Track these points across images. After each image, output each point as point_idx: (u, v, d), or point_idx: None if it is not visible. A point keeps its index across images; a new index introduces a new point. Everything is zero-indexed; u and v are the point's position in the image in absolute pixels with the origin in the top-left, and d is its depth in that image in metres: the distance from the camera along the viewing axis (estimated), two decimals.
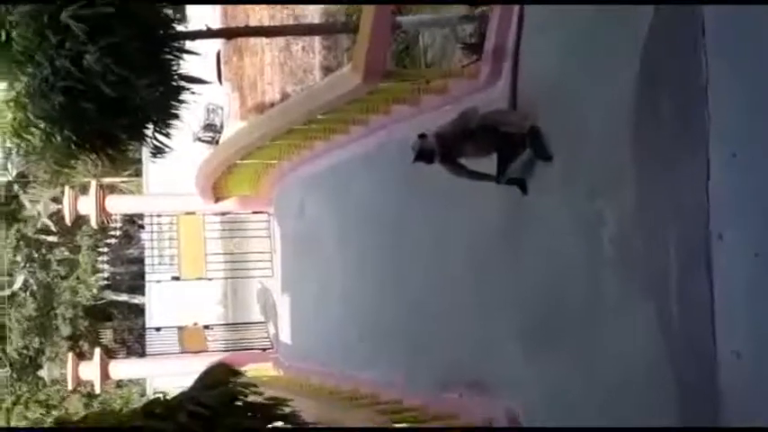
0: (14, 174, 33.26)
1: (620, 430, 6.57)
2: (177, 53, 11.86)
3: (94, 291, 33.63)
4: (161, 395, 7.72)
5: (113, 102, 10.86)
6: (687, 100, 5.84)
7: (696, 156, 5.64)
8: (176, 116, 12.14)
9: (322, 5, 17.69)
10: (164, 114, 11.99)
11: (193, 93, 12.17)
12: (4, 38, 10.84)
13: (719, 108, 5.50)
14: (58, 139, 11.23)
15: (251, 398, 7.79)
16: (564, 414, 7.45)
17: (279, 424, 7.74)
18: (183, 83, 11.96)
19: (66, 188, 18.43)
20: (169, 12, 11.97)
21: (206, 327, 19.13)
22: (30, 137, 11.54)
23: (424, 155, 7.97)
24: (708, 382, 5.55)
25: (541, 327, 7.86)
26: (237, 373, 8.02)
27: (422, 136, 8.00)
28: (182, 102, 12.08)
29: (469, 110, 8.08)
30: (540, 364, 7.87)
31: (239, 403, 7.58)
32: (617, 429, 6.61)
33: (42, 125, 11.15)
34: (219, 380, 7.81)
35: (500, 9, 8.78)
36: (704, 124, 5.56)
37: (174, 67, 11.90)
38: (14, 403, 31.97)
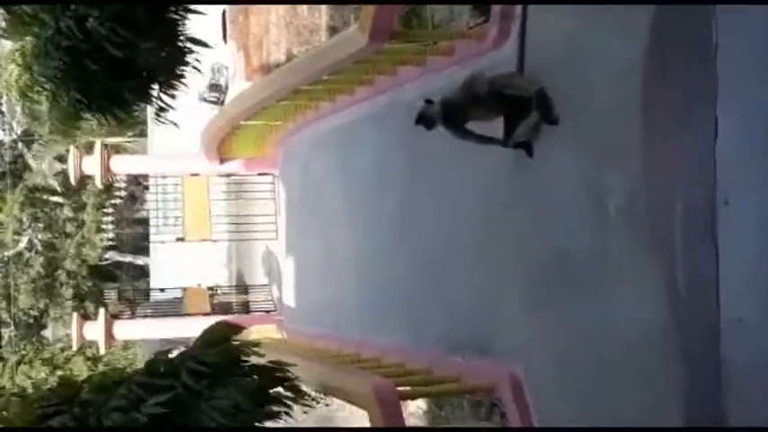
0: (19, 132, 33.25)
1: (626, 430, 6.59)
2: (182, 13, 11.79)
3: (99, 250, 33.73)
4: (162, 354, 7.76)
5: (119, 62, 10.82)
6: (696, 63, 5.78)
7: (704, 120, 5.59)
8: (182, 77, 12.09)
9: None
10: (169, 75, 11.95)
11: (198, 54, 12.11)
12: None
13: (728, 70, 5.44)
14: (64, 98, 11.21)
15: (252, 359, 7.83)
16: (567, 378, 7.47)
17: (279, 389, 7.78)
18: (188, 44, 11.90)
19: (71, 147, 18.41)
20: None
21: (210, 288, 19.18)
22: (35, 96, 11.53)
23: (424, 120, 7.98)
24: (711, 347, 5.55)
25: (546, 290, 7.85)
26: (238, 330, 8.05)
27: (428, 101, 7.97)
28: (187, 63, 12.03)
29: (476, 74, 8.03)
30: (544, 327, 7.87)
31: (241, 363, 7.62)
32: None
33: (48, 85, 11.12)
34: (220, 337, 7.85)
35: None
36: (713, 87, 5.51)
37: (180, 28, 11.83)
38: (19, 362, 32.17)
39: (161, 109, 12.26)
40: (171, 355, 7.73)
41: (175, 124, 12.57)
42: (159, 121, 12.70)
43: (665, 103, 6.19)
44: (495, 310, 8.81)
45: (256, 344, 8.01)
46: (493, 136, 7.99)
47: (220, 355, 7.47)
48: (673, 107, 6.10)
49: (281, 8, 19.75)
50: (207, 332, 8.06)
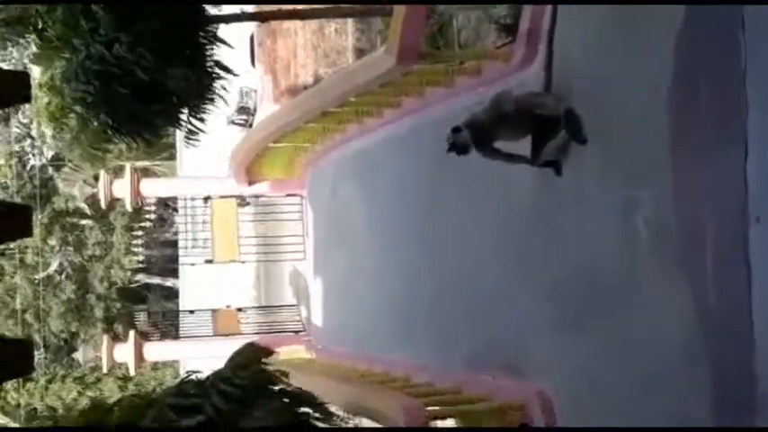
0: (49, 156, 33.59)
1: (630, 430, 6.53)
2: (211, 39, 11.91)
3: (128, 273, 33.93)
4: (194, 375, 7.80)
5: (147, 87, 10.94)
6: (725, 84, 5.77)
7: (734, 140, 5.57)
8: (211, 101, 12.20)
9: None
10: (198, 100, 12.06)
11: (227, 79, 12.22)
12: (40, 25, 10.95)
13: (758, 92, 5.43)
14: (94, 123, 11.34)
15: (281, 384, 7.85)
16: (597, 396, 7.42)
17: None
18: (216, 69, 12.02)
19: (102, 171, 18.58)
20: None
21: (239, 309, 19.23)
22: (66, 120, 11.67)
23: (456, 148, 7.98)
24: (744, 366, 5.50)
25: (575, 309, 7.81)
26: (268, 353, 8.07)
27: (456, 130, 7.95)
28: (215, 88, 12.14)
29: (503, 93, 8.04)
30: (573, 345, 7.83)
31: (271, 386, 7.63)
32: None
33: (78, 109, 11.25)
34: (250, 360, 7.87)
35: None
36: (743, 109, 5.49)
37: (209, 53, 11.95)
38: (49, 381, 32.35)
39: (191, 132, 12.37)
40: (201, 377, 7.76)
41: (205, 133, 12.61)
42: (189, 143, 12.81)
43: (695, 122, 6.17)
44: (524, 329, 8.78)
45: (285, 373, 8.02)
46: (521, 155, 8.00)
47: (251, 378, 7.49)
48: (702, 126, 6.08)
49: (309, 31, 19.88)
50: (237, 354, 8.10)
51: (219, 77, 12.12)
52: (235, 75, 12.56)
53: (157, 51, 10.75)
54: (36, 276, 33.55)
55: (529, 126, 7.86)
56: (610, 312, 7.26)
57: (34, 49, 11.54)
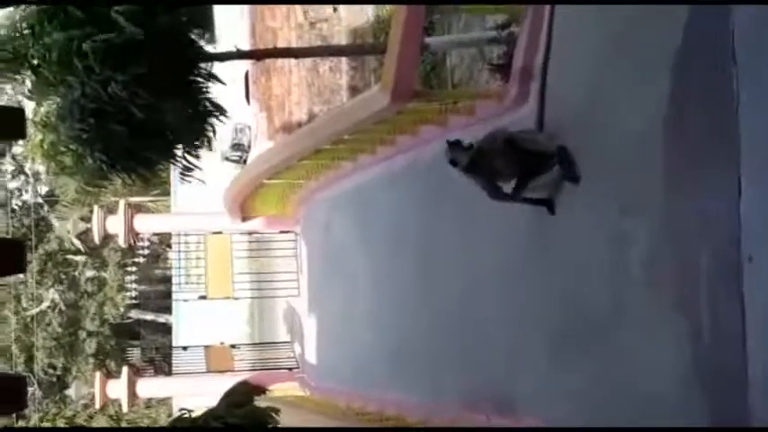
0: (43, 193, 33.59)
1: (627, 430, 6.51)
2: (206, 77, 12.00)
3: (121, 309, 33.82)
4: (186, 413, 7.78)
5: (142, 124, 11.00)
6: (717, 118, 5.81)
7: (727, 175, 5.60)
8: (206, 138, 12.26)
9: (350, 25, 17.78)
10: (193, 137, 12.12)
11: (222, 117, 12.29)
12: (36, 62, 11.02)
13: (750, 126, 5.47)
14: (89, 160, 11.37)
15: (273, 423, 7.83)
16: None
17: None
18: (210, 107, 12.09)
19: (96, 207, 18.60)
20: (197, 33, 12.09)
21: (232, 346, 19.17)
22: (60, 158, 11.70)
23: (453, 154, 7.92)
24: (738, 401, 5.50)
25: (569, 344, 7.81)
26: (261, 391, 8.07)
27: (457, 142, 7.93)
28: (210, 125, 12.21)
29: (496, 131, 8.07)
30: (567, 381, 7.82)
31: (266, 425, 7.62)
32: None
33: (73, 146, 11.29)
34: (244, 398, 7.86)
35: (528, 30, 8.79)
36: (735, 143, 5.53)
37: (203, 90, 12.02)
38: (41, 419, 32.10)
39: (185, 168, 12.41)
40: (195, 415, 7.75)
41: (202, 181, 12.69)
42: (184, 180, 12.85)
43: (687, 159, 6.22)
44: (518, 366, 8.77)
45: (276, 410, 8.00)
46: (504, 190, 7.94)
47: (245, 417, 7.48)
48: (695, 163, 6.12)
49: (303, 69, 20.03)
50: (230, 392, 8.09)
51: (213, 115, 12.19)
52: (227, 116, 12.62)
53: (152, 89, 10.82)
54: (28, 312, 33.41)
55: (518, 161, 7.84)
56: (604, 347, 7.26)
57: (29, 85, 11.59)
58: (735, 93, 5.54)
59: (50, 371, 33.74)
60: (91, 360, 32.99)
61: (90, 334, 33.45)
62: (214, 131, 12.34)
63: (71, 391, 33.44)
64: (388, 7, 17.33)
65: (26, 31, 10.95)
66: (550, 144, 7.69)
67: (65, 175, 12.49)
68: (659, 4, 6.54)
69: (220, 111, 12.29)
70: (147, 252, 31.03)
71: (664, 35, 6.43)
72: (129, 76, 10.61)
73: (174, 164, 12.65)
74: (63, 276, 34.24)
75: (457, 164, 7.89)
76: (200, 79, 12.05)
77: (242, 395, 8.01)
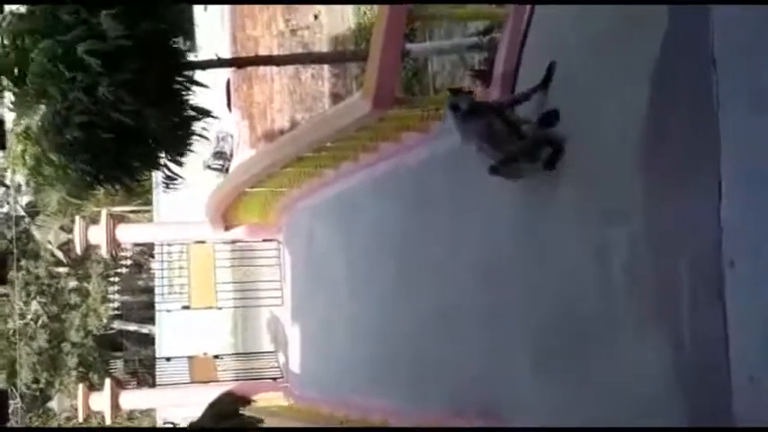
0: (24, 203, 33.40)
1: (622, 430, 6.50)
2: (188, 83, 11.97)
3: (105, 321, 33.64)
4: (170, 425, 7.71)
5: (127, 130, 10.95)
6: (698, 123, 5.82)
7: (707, 180, 5.60)
8: (189, 145, 12.22)
9: (331, 33, 17.78)
10: (176, 144, 12.09)
11: (205, 123, 12.26)
12: (17, 73, 10.96)
13: (730, 131, 5.48)
14: (73, 171, 11.31)
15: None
16: None
17: None
18: (194, 113, 12.06)
19: (77, 217, 18.50)
20: (179, 41, 12.08)
21: (216, 356, 19.08)
22: (43, 169, 11.63)
23: (457, 102, 7.66)
24: (722, 408, 5.50)
25: (552, 352, 7.81)
26: (246, 402, 8.02)
27: (456, 90, 7.78)
28: (193, 132, 12.18)
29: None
30: (550, 389, 7.82)
31: None
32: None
33: (56, 158, 11.22)
34: (229, 410, 7.81)
35: (509, 36, 8.79)
36: (715, 148, 5.53)
37: (186, 98, 12.00)
38: None
39: (168, 178, 12.37)
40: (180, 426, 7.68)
41: (183, 178, 12.60)
42: (167, 189, 12.80)
43: (668, 165, 6.22)
44: (502, 372, 8.76)
45: (260, 420, 7.96)
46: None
47: (230, 429, 7.43)
48: (675, 167, 6.13)
49: (285, 76, 20.01)
50: (215, 403, 8.03)
51: (197, 119, 12.15)
52: (213, 117, 12.60)
53: (136, 95, 10.78)
54: (10, 326, 33.17)
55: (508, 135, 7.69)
56: (586, 354, 7.26)
57: (10, 97, 11.53)
58: (715, 98, 5.55)
59: (33, 384, 33.51)
60: (74, 372, 32.78)
61: (74, 345, 33.24)
62: (200, 135, 12.30)
63: (54, 404, 33.22)
64: (369, 15, 17.35)
65: (8, 42, 10.90)
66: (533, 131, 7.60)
67: (48, 186, 12.42)
68: (640, 3, 6.55)
69: (205, 113, 12.25)
70: (129, 262, 30.93)
71: (643, 41, 6.44)
72: (114, 81, 10.57)
73: (158, 170, 12.60)
74: (45, 288, 34.02)
75: (458, 108, 7.70)
76: (181, 87, 12.02)
77: (227, 405, 7.95)
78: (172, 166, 12.33)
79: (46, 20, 10.66)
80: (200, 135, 12.33)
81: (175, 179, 12.49)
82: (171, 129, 11.65)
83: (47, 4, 10.73)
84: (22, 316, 33.29)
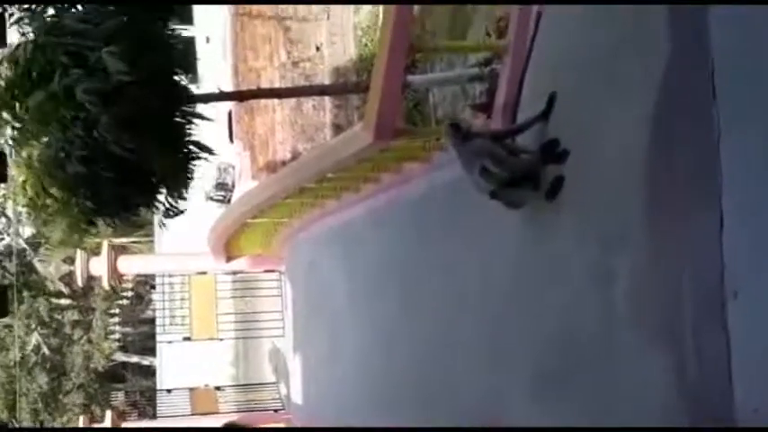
0: (26, 236, 33.40)
1: (622, 430, 6.45)
2: (189, 118, 11.97)
3: (107, 358, 33.54)
4: None
5: (127, 167, 10.95)
6: (699, 153, 5.82)
7: (709, 211, 5.59)
8: (189, 180, 12.21)
9: (332, 64, 17.86)
10: (177, 179, 12.08)
11: (206, 159, 12.26)
12: (18, 108, 10.98)
13: (732, 163, 5.48)
14: (74, 207, 11.29)
15: None
16: None
17: None
18: (194, 149, 12.07)
19: (78, 249, 18.50)
20: (181, 76, 12.09)
21: (217, 388, 19.02)
22: (44, 202, 11.62)
23: (456, 126, 7.61)
24: None
25: (554, 379, 7.76)
26: (247, 429, 7.95)
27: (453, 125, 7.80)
28: (194, 167, 12.18)
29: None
30: (552, 415, 7.77)
31: None
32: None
33: (57, 194, 11.22)
34: None
35: (509, 66, 8.83)
36: (717, 179, 5.53)
37: (187, 132, 12.00)
38: None
39: (168, 210, 12.35)
40: None
41: (182, 211, 12.57)
42: (166, 220, 12.78)
43: (670, 193, 6.21)
44: (503, 398, 8.71)
45: None
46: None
47: None
48: (677, 197, 6.12)
49: (287, 107, 20.09)
50: None
51: (197, 157, 12.16)
52: (213, 153, 12.60)
53: (136, 131, 10.79)
54: (11, 359, 33.06)
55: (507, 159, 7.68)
56: (589, 382, 7.22)
57: (10, 132, 11.53)
58: (716, 127, 5.55)
59: (34, 418, 33.36)
60: (75, 408, 32.64)
61: (77, 386, 33.10)
62: (192, 177, 12.27)
63: None
64: (370, 46, 17.43)
65: (10, 76, 10.93)
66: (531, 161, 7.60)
67: (49, 220, 12.41)
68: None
69: (207, 151, 12.25)
70: (130, 294, 30.89)
71: (644, 69, 6.46)
72: (114, 118, 10.57)
73: (157, 209, 12.58)
74: (47, 320, 33.95)
75: (458, 129, 7.58)
76: (184, 121, 12.03)
77: None
78: (173, 201, 12.30)
79: (47, 57, 10.67)
80: (199, 168, 12.30)
81: (176, 214, 12.45)
82: (172, 164, 11.65)
83: (49, 39, 10.75)
84: (23, 348, 33.19)
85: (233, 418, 16.61)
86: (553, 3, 8.26)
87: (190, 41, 20.65)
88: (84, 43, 10.53)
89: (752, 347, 5.33)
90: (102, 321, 32.69)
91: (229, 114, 23.33)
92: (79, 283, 18.69)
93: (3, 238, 34.13)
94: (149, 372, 33.93)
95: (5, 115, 11.21)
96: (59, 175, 10.88)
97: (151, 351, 32.51)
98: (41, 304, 33.36)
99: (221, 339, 18.68)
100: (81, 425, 17.94)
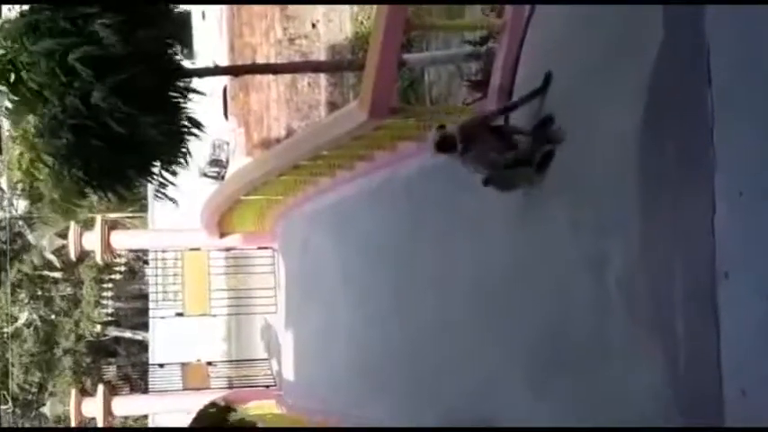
0: (21, 208, 33.33)
1: (621, 430, 6.50)
2: (184, 92, 11.93)
3: (98, 326, 33.55)
4: None
5: (121, 139, 10.92)
6: (692, 139, 5.83)
7: (702, 195, 5.61)
8: (183, 154, 12.18)
9: (328, 42, 17.81)
10: (170, 153, 12.04)
11: (199, 134, 12.22)
12: (13, 78, 10.92)
13: (725, 147, 5.49)
14: (66, 177, 11.28)
15: None
16: None
17: None
18: (188, 124, 12.02)
19: (72, 223, 18.47)
20: (177, 49, 12.04)
21: (209, 363, 19.05)
22: (38, 173, 11.61)
23: (445, 145, 7.66)
24: (714, 421, 5.50)
25: (546, 365, 7.80)
26: (232, 410, 7.96)
27: (441, 127, 7.82)
28: (188, 141, 12.13)
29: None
30: (544, 402, 7.80)
31: None
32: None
33: (51, 163, 11.20)
34: (215, 421, 7.76)
35: (505, 46, 8.82)
36: (710, 163, 5.54)
37: (182, 106, 11.96)
38: None
39: (161, 185, 12.32)
40: None
41: (174, 201, 12.59)
42: (158, 197, 12.76)
43: (663, 178, 6.23)
44: (496, 386, 8.75)
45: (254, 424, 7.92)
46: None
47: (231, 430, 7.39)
48: (669, 181, 6.14)
49: (282, 84, 20.01)
50: (200, 416, 7.96)
51: (191, 133, 12.12)
52: (204, 131, 12.55)
53: (131, 102, 10.75)
54: (4, 330, 33.08)
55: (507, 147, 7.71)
56: (581, 368, 7.26)
57: (7, 103, 11.48)
58: (710, 113, 5.56)
59: (27, 387, 33.43)
60: (67, 376, 32.71)
61: (66, 351, 33.17)
62: (189, 152, 12.24)
63: (46, 410, 33.12)
64: (366, 24, 17.37)
65: (8, 43, 10.87)
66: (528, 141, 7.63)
67: (42, 191, 12.38)
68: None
69: (198, 127, 12.21)
70: (123, 269, 30.86)
71: (640, 55, 6.45)
72: (109, 87, 10.54)
73: (150, 181, 12.56)
74: (39, 293, 33.95)
75: (454, 148, 7.59)
76: (178, 95, 11.98)
77: (213, 418, 7.91)
78: (166, 175, 12.27)
79: (44, 24, 10.63)
80: (193, 142, 12.24)
81: (167, 187, 12.42)
82: (166, 138, 11.61)
83: (45, 8, 10.71)
84: (15, 319, 33.21)
85: (224, 393, 16.65)
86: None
87: (186, 17, 20.51)
88: (82, 11, 10.49)
89: (741, 328, 5.37)
90: (93, 291, 32.67)
91: (224, 91, 23.21)
92: (72, 256, 18.68)
93: None
94: (142, 347, 33.94)
95: (1, 87, 11.16)
96: (53, 143, 10.84)
97: (144, 326, 32.51)
98: (34, 276, 33.34)
99: (214, 315, 18.71)
100: (73, 398, 17.95)
